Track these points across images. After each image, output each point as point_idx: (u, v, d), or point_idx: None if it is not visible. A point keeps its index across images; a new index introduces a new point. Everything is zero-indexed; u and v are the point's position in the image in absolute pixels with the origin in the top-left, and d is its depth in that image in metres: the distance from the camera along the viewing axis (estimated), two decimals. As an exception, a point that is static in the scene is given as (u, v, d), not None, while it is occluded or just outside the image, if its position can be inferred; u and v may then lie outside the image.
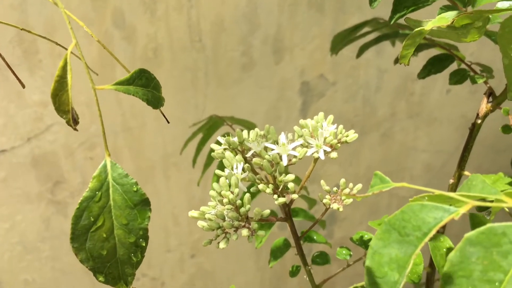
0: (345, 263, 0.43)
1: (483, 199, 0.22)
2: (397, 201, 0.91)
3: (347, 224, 0.92)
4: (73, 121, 0.28)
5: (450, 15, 0.25)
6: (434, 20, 0.25)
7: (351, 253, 0.42)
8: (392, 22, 0.41)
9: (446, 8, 0.41)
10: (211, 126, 0.61)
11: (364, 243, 0.42)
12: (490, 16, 0.28)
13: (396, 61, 0.46)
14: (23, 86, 0.35)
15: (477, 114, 0.42)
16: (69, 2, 0.62)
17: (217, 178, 0.56)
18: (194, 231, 0.90)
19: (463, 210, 0.20)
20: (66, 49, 0.43)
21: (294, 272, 0.44)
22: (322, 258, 0.43)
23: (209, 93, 0.73)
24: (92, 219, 0.27)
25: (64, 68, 0.26)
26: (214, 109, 0.74)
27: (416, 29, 0.26)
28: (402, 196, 0.90)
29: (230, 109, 0.74)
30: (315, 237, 0.46)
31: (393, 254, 0.22)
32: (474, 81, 0.44)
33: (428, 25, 0.25)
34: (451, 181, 0.45)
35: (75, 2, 0.63)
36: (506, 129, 0.40)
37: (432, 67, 0.46)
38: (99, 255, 0.28)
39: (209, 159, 0.59)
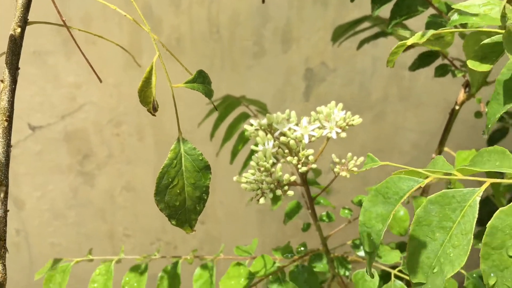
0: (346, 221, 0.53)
1: (443, 174, 0.32)
2: (385, 175, 1.02)
3: (342, 195, 1.03)
4: (154, 109, 0.37)
5: (427, 34, 0.34)
6: (414, 37, 0.34)
7: (352, 212, 0.52)
8: (389, 27, 0.50)
9: (433, 17, 0.50)
10: (228, 104, 0.69)
11: (362, 205, 0.52)
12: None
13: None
14: (100, 81, 0.43)
15: (456, 102, 0.53)
16: (105, -3, 0.70)
17: (238, 151, 0.65)
18: (205, 200, 1.00)
19: (426, 181, 0.30)
20: (102, 37, 0.51)
21: (305, 228, 0.55)
22: (328, 217, 0.53)
23: (224, 78, 0.82)
24: (170, 180, 0.36)
25: (150, 72, 0.35)
26: (228, 91, 0.83)
27: (399, 43, 0.35)
28: (388, 172, 1.00)
29: (242, 92, 0.83)
30: (322, 201, 0.56)
31: (379, 211, 0.31)
32: (454, 75, 0.53)
33: (409, 41, 0.34)
34: (433, 155, 0.55)
35: (109, -4, 0.71)
36: (478, 114, 0.51)
37: (421, 61, 0.56)
38: (174, 205, 0.37)
39: (228, 135, 0.68)
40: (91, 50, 0.77)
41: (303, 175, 0.45)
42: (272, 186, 0.40)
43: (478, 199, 0.28)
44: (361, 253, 0.50)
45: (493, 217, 0.27)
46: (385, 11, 0.52)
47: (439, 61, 0.57)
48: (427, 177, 0.30)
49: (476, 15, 0.33)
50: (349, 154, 0.43)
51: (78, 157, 0.86)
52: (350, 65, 0.86)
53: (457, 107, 0.52)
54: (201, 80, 0.39)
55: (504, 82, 0.31)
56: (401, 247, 0.53)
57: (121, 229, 0.98)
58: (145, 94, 0.37)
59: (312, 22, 0.80)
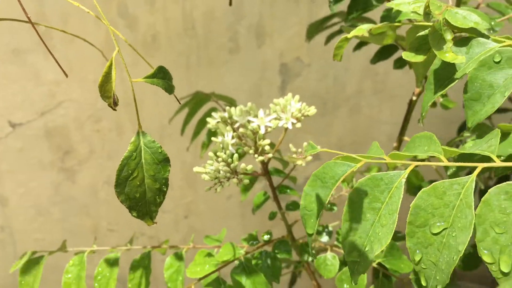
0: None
1: (374, 158, 0.34)
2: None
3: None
4: (114, 104, 0.38)
5: (366, 27, 0.35)
6: (354, 31, 0.36)
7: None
8: (347, 22, 0.52)
9: (388, 11, 0.52)
10: (197, 101, 0.71)
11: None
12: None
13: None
14: (66, 76, 0.45)
15: (413, 93, 0.55)
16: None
17: (208, 144, 0.67)
18: (187, 194, 1.02)
19: (358, 165, 0.32)
20: (78, 37, 0.53)
21: (271, 217, 0.57)
22: (294, 206, 0.55)
23: (201, 73, 0.84)
24: (130, 172, 0.37)
25: (110, 67, 0.36)
26: (205, 87, 0.85)
27: (342, 37, 0.37)
28: (366, 164, 1.02)
29: (219, 87, 0.85)
30: (288, 190, 0.58)
31: (317, 195, 0.33)
32: (411, 67, 0.55)
33: (350, 34, 0.35)
34: (395, 144, 0.57)
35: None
36: (433, 104, 0.53)
37: (381, 54, 0.58)
38: (134, 197, 0.37)
39: (198, 129, 0.69)
40: (70, 48, 0.79)
41: (264, 165, 0.47)
42: (228, 175, 0.42)
43: (404, 180, 0.30)
44: (324, 239, 0.52)
45: (416, 197, 0.29)
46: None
47: (398, 54, 0.59)
48: (360, 162, 0.32)
49: (407, 14, 0.34)
50: (305, 144, 0.45)
51: (59, 154, 0.88)
52: (325, 60, 0.88)
53: (414, 98, 0.54)
54: (161, 75, 0.41)
55: (435, 72, 0.33)
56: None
57: (105, 223, 1.00)
58: (105, 89, 0.39)
59: (285, 18, 0.82)
